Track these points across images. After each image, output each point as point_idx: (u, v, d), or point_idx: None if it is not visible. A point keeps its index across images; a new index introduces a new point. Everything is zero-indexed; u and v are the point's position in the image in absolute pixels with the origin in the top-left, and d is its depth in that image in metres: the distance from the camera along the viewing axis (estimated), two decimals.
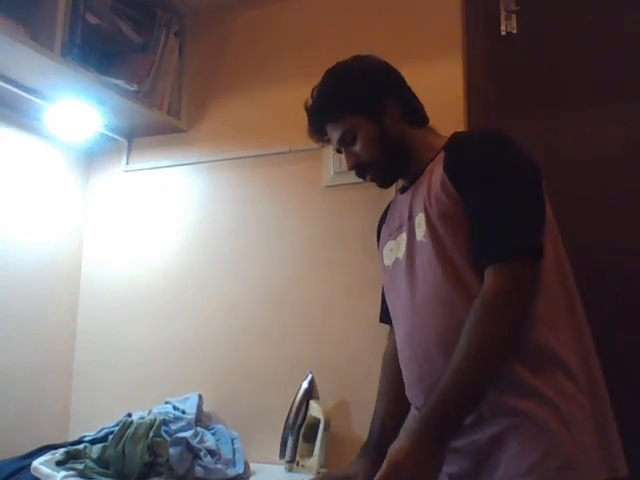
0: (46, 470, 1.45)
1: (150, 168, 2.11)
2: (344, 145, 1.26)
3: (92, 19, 1.76)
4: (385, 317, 1.36)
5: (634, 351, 1.52)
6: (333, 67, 1.32)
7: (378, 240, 1.38)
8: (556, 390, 1.00)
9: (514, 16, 1.75)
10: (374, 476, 0.97)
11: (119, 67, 1.89)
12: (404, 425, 1.19)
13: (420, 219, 1.14)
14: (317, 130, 1.31)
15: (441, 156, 1.15)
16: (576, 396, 1.00)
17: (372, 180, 1.28)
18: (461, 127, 1.66)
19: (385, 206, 1.41)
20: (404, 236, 1.20)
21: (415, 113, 1.28)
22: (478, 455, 1.03)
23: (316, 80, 1.94)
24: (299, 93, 2.00)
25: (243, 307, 1.90)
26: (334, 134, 1.27)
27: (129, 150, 2.16)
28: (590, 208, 1.61)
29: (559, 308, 1.06)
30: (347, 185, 1.81)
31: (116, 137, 2.12)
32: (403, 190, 1.29)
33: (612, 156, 1.62)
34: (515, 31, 1.75)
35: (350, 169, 1.28)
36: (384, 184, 1.29)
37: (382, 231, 1.36)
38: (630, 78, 1.65)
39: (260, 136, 1.97)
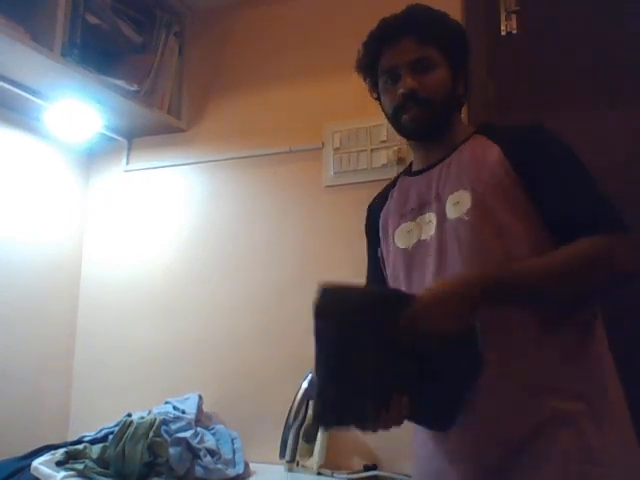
0: (46, 470, 1.45)
1: (150, 168, 2.12)
2: (413, 68, 1.14)
3: (92, 19, 1.77)
4: None
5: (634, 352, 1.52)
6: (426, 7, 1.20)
7: (369, 224, 1.34)
8: (599, 394, 1.01)
9: (514, 16, 1.75)
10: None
11: (119, 67, 1.89)
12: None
13: (461, 197, 1.09)
14: (386, 39, 1.17)
15: (478, 140, 1.14)
16: (614, 399, 1.03)
17: (410, 120, 1.16)
18: None
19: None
20: (430, 217, 1.14)
21: (466, 95, 1.23)
22: (519, 446, 1.00)
23: (316, 80, 1.96)
24: (299, 93, 2.02)
25: (243, 307, 1.90)
26: (412, 51, 1.14)
27: (129, 150, 2.16)
28: None
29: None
30: (347, 185, 1.81)
31: (116, 137, 2.12)
32: (415, 173, 1.24)
33: (612, 155, 1.62)
34: (515, 31, 1.75)
35: (404, 92, 1.14)
36: (418, 129, 1.17)
37: (384, 215, 1.28)
38: (630, 78, 1.65)
39: (260, 136, 1.97)
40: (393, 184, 1.32)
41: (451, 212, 1.10)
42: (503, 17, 1.75)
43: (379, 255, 1.28)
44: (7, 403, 1.82)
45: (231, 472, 1.55)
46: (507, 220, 1.04)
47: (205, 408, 1.77)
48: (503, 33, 1.75)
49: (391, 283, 1.23)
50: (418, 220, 1.17)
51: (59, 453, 1.53)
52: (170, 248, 2.04)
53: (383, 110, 1.23)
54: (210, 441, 1.61)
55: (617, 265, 0.98)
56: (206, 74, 2.10)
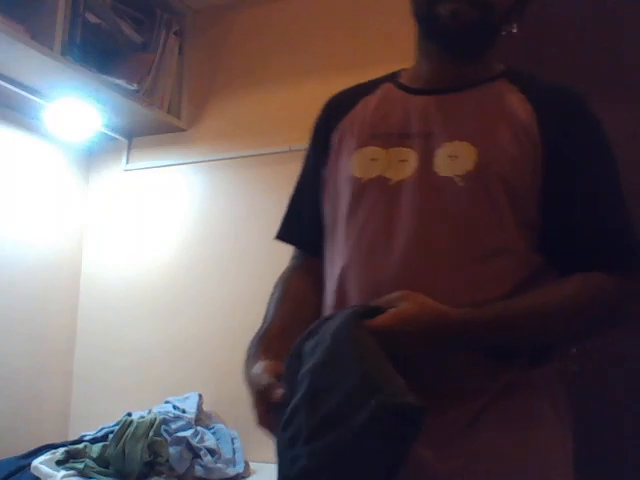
0: (46, 469, 1.45)
1: (150, 167, 2.11)
2: None
3: (92, 18, 1.77)
4: (291, 235, 1.05)
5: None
6: None
7: (325, 124, 0.99)
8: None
9: None
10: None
11: (119, 66, 1.89)
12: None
13: (461, 151, 0.82)
14: None
15: (506, 86, 0.88)
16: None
17: (452, 13, 0.84)
18: None
19: None
20: (408, 155, 0.85)
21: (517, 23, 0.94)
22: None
23: (316, 79, 1.96)
24: (299, 92, 2.02)
25: (243, 306, 1.90)
26: None
27: (129, 149, 2.16)
28: None
29: None
30: None
31: (116, 136, 2.11)
32: (411, 89, 0.92)
33: None
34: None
35: None
36: (456, 29, 0.85)
37: (348, 124, 0.94)
38: (630, 78, 1.65)
39: (260, 135, 1.97)
40: (368, 88, 0.97)
41: (441, 165, 0.83)
42: None
43: (323, 175, 0.96)
44: (7, 403, 1.82)
45: (231, 471, 1.55)
46: (507, 209, 0.80)
47: (205, 407, 1.77)
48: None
49: (328, 218, 0.94)
50: (392, 151, 0.87)
51: (59, 452, 1.53)
52: (170, 247, 2.04)
53: None
54: (210, 440, 1.61)
55: (622, 315, 0.85)
56: (206, 73, 2.10)
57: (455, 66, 0.90)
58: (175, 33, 2.05)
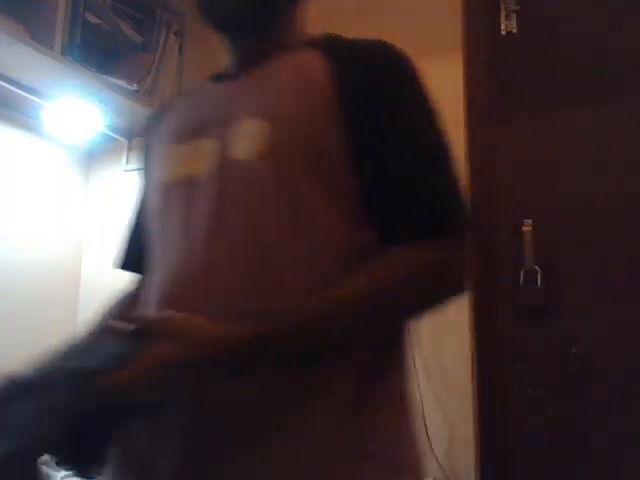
0: (46, 470, 1.45)
1: None
2: None
3: (92, 18, 1.77)
4: (126, 262, 1.00)
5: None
6: None
7: (144, 137, 0.95)
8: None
9: (514, 16, 1.75)
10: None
11: (119, 66, 1.89)
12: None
13: (254, 130, 0.74)
14: None
15: (308, 53, 0.79)
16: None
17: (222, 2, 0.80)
18: (461, 127, 1.66)
19: None
20: (207, 146, 0.77)
21: None
22: None
23: None
24: None
25: None
26: None
27: (129, 149, 2.16)
28: (590, 207, 1.61)
29: None
30: None
31: (116, 136, 2.11)
32: (219, 78, 0.89)
33: (612, 155, 1.62)
34: (515, 31, 1.75)
35: None
36: (232, 12, 0.81)
37: (160, 131, 0.89)
38: (630, 78, 1.65)
39: None
40: (187, 92, 0.93)
41: (238, 148, 0.74)
42: (503, 17, 1.76)
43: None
44: None
45: None
46: (309, 186, 0.71)
47: None
48: (503, 33, 1.75)
49: (148, 232, 0.87)
50: (193, 146, 0.79)
51: None
52: None
53: None
54: None
55: (448, 290, 0.72)
56: (206, 74, 2.10)
57: (251, 47, 0.84)
58: (175, 33, 2.05)
